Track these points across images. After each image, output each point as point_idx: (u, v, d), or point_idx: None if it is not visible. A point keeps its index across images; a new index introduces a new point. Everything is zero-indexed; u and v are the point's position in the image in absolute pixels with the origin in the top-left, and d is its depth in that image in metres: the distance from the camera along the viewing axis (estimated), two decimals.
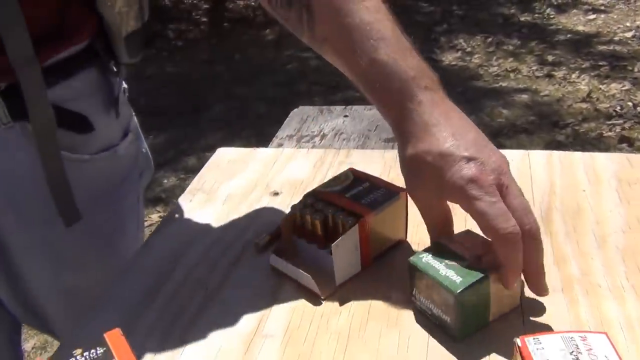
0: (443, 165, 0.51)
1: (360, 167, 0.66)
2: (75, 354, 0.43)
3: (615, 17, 4.01)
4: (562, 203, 0.68)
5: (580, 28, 3.91)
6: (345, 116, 1.11)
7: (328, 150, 0.86)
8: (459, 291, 0.48)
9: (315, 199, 0.62)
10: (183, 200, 0.76)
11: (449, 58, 3.67)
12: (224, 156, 0.86)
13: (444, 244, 0.54)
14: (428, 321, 0.53)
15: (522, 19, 4.15)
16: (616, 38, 3.67)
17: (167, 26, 4.57)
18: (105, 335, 0.45)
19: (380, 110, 0.57)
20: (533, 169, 0.75)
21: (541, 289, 0.52)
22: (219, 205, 0.74)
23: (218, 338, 0.54)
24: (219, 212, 0.73)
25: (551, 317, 0.53)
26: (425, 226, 0.57)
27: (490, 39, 3.85)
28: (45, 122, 0.65)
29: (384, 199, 0.60)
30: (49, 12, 0.66)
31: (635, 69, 3.20)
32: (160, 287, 0.61)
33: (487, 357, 0.49)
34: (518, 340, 0.42)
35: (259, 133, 2.77)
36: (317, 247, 0.60)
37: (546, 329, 0.51)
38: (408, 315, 0.55)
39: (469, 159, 0.51)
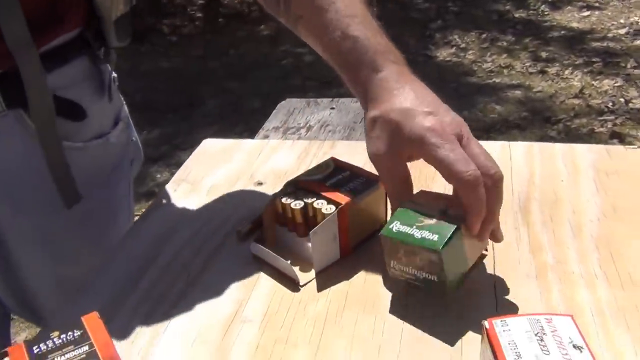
0: (404, 119, 0.53)
1: (344, 158, 0.67)
2: (52, 337, 0.44)
3: (609, 13, 4.01)
4: (540, 193, 0.69)
5: (575, 24, 3.92)
6: (332, 108, 1.11)
7: (313, 141, 0.86)
8: (441, 247, 0.50)
9: (295, 187, 0.63)
10: (168, 189, 0.77)
11: (443, 54, 3.68)
12: (210, 147, 0.87)
13: (406, 208, 0.55)
14: (403, 306, 0.54)
15: (517, 15, 4.15)
16: (610, 34, 3.68)
17: (162, 21, 4.56)
18: (82, 318, 0.45)
19: (350, 85, 0.59)
20: (514, 160, 0.76)
21: (494, 237, 0.55)
22: (203, 194, 0.75)
23: (198, 322, 0.55)
24: (203, 201, 0.74)
25: (524, 303, 0.54)
26: None
27: (484, 35, 3.85)
28: (44, 107, 0.66)
29: (364, 187, 0.61)
30: None
31: (628, 66, 3.21)
32: (145, 272, 0.62)
33: (460, 340, 0.50)
34: (486, 323, 0.42)
35: (252, 128, 2.76)
36: (297, 234, 0.61)
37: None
38: (385, 301, 0.56)
39: (429, 113, 0.53)
